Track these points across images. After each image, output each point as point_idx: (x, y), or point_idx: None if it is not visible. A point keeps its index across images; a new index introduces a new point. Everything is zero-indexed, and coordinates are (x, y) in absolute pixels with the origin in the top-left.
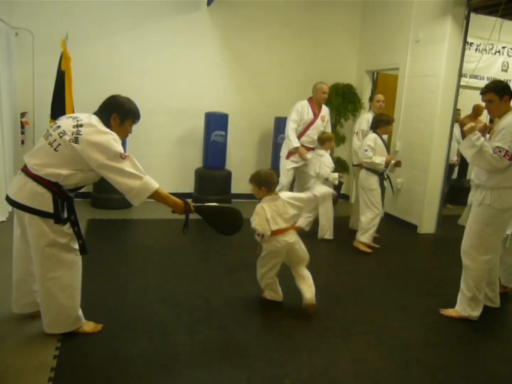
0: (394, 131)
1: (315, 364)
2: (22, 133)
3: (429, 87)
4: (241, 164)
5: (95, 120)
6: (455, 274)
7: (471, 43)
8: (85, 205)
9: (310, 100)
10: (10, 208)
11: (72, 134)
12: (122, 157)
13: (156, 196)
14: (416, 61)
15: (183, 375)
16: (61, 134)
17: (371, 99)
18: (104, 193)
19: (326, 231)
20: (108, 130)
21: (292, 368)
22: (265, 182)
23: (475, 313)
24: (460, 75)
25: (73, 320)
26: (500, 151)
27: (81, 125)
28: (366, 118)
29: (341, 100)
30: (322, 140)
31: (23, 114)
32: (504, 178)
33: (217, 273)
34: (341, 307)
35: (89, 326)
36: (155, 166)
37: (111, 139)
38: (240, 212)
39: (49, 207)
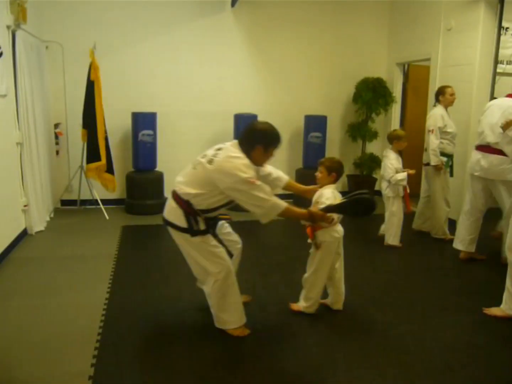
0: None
1: (353, 368)
2: (57, 143)
3: (463, 76)
4: (272, 164)
5: (234, 147)
6: (498, 271)
7: (507, 28)
8: (119, 212)
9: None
10: (48, 218)
11: (211, 156)
12: (250, 181)
13: (283, 214)
14: (449, 50)
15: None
16: (203, 156)
17: (441, 92)
18: (138, 199)
19: (390, 236)
20: (241, 156)
21: (329, 373)
22: (337, 170)
23: None
24: (496, 62)
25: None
26: None
27: (220, 149)
28: (439, 113)
29: (372, 95)
30: (389, 139)
31: (56, 125)
32: None
33: (251, 276)
34: (377, 308)
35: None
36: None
37: (242, 164)
38: (367, 197)
39: (182, 222)
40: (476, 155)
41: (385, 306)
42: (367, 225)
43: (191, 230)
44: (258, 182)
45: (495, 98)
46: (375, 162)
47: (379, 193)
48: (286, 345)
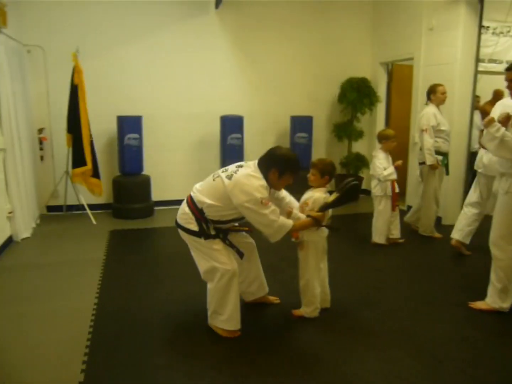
0: (412, 123)
1: (341, 364)
2: (41, 149)
3: (445, 75)
4: None
5: (253, 166)
6: (483, 266)
7: (487, 27)
8: (106, 216)
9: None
10: (34, 224)
11: (231, 171)
12: (263, 202)
13: (290, 232)
14: (431, 49)
15: (209, 382)
16: (224, 171)
17: (432, 91)
18: (125, 203)
19: (376, 234)
20: (259, 176)
21: (318, 370)
22: (330, 172)
23: (506, 304)
24: (478, 60)
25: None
26: None
27: (241, 166)
28: (432, 112)
29: (357, 95)
30: (378, 139)
31: (40, 130)
32: None
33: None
34: (366, 305)
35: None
36: (174, 172)
37: (259, 185)
38: (356, 183)
39: (193, 226)
40: (480, 152)
41: (374, 303)
42: (354, 223)
43: (200, 233)
44: (270, 204)
45: (477, 96)
46: (361, 161)
47: (366, 192)
48: (275, 343)
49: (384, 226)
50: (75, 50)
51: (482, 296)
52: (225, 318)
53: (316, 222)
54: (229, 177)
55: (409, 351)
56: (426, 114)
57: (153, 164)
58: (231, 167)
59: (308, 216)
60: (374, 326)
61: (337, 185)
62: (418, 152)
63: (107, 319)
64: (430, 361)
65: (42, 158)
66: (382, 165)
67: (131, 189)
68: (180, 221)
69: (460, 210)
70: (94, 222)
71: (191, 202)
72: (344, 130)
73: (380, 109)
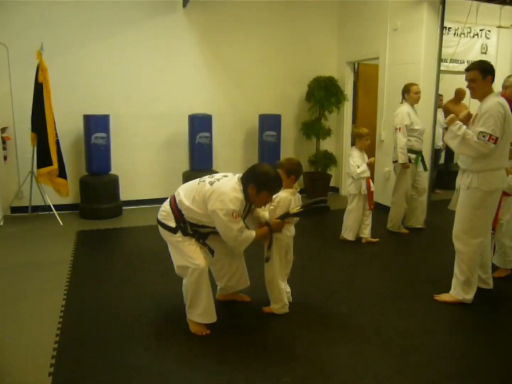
0: (378, 121)
1: (313, 359)
2: (4, 148)
3: (409, 74)
4: (228, 164)
5: (237, 178)
6: (448, 260)
7: (449, 28)
8: (74, 217)
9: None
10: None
11: (215, 179)
12: (233, 215)
13: (252, 242)
14: (395, 49)
15: (181, 383)
16: (210, 177)
17: (406, 90)
18: (93, 204)
19: (345, 230)
20: (239, 190)
21: (290, 365)
22: (296, 171)
23: (469, 296)
24: (440, 60)
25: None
26: (484, 136)
27: (226, 176)
28: (406, 111)
29: (324, 93)
30: (352, 138)
31: (3, 130)
32: (488, 161)
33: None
34: (336, 301)
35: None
36: (142, 171)
37: (234, 197)
38: (325, 206)
39: (171, 223)
40: None
41: (343, 298)
42: (324, 221)
43: (176, 229)
44: (240, 220)
45: (440, 95)
46: (329, 159)
47: (335, 189)
48: (247, 340)
49: (354, 223)
50: (40, 48)
51: (446, 288)
52: (200, 312)
53: (272, 231)
54: (211, 183)
55: (378, 345)
56: (400, 113)
57: (121, 164)
58: (217, 175)
59: (266, 224)
60: (344, 321)
61: (305, 182)
62: (392, 151)
63: (75, 320)
64: (398, 354)
65: (5, 158)
66: (355, 163)
67: (98, 189)
68: (159, 217)
69: (425, 207)
70: (60, 223)
71: (173, 202)
72: (312, 128)
73: (347, 107)
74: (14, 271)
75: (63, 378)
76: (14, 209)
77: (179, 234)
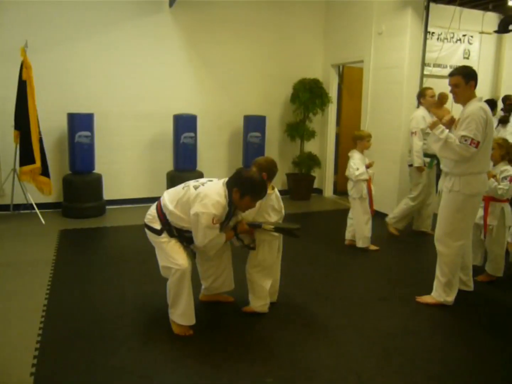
0: (362, 123)
1: (296, 360)
2: None
3: (393, 78)
4: (212, 164)
5: (222, 183)
6: (429, 262)
7: (433, 33)
8: (56, 216)
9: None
10: None
11: (200, 183)
12: (211, 219)
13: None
14: (380, 53)
15: (163, 383)
16: (195, 181)
17: (422, 94)
18: (75, 202)
19: (359, 239)
20: (222, 195)
21: (273, 366)
22: (268, 169)
23: (450, 298)
24: (423, 64)
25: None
26: (466, 140)
27: (211, 181)
28: (421, 115)
29: (309, 95)
30: (353, 140)
31: None
32: (470, 165)
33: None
34: (319, 302)
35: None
36: (126, 171)
37: (216, 201)
38: (296, 235)
39: (156, 225)
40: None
41: (325, 300)
42: (308, 223)
43: (161, 231)
44: (217, 226)
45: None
46: (313, 160)
47: (318, 191)
48: (230, 341)
49: (365, 228)
50: (24, 45)
51: (428, 290)
52: (180, 313)
53: (234, 233)
54: (196, 188)
55: (361, 346)
56: (415, 117)
57: (105, 163)
58: (202, 180)
59: (233, 228)
60: (328, 322)
61: (289, 183)
62: (407, 154)
63: (57, 320)
64: (381, 355)
65: None
66: (355, 165)
67: (82, 188)
68: (146, 220)
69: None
70: (43, 221)
71: (159, 205)
72: (297, 130)
73: (332, 109)
74: None
75: (45, 378)
76: None
77: (164, 235)
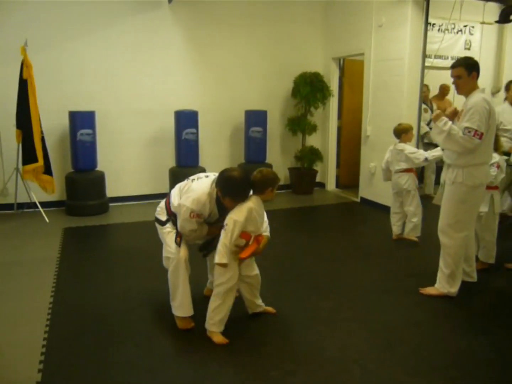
0: (364, 116)
1: (300, 353)
2: None
3: (394, 70)
4: (215, 160)
5: (211, 181)
6: (432, 253)
7: (433, 24)
8: (60, 214)
9: None
10: None
11: (197, 177)
12: (190, 213)
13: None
14: (381, 45)
15: (170, 378)
16: (196, 176)
17: (507, 88)
18: (79, 200)
19: (416, 229)
20: (209, 193)
21: (278, 359)
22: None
23: (454, 289)
24: (424, 56)
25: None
26: (469, 132)
27: (207, 177)
28: (509, 110)
29: (310, 89)
30: (397, 134)
31: None
32: (473, 156)
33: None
34: (322, 295)
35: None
36: (128, 168)
37: (197, 197)
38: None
39: (162, 217)
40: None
41: (329, 293)
42: (311, 216)
43: (166, 222)
44: (196, 221)
45: (425, 85)
46: (315, 154)
47: (321, 184)
48: (233, 334)
49: (420, 219)
50: (24, 44)
51: (432, 282)
52: (177, 304)
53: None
54: (192, 181)
55: (365, 338)
56: (501, 112)
57: (107, 160)
58: (201, 174)
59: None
60: (332, 315)
61: (291, 178)
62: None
63: (63, 317)
64: (385, 346)
65: None
66: (413, 150)
67: (85, 186)
68: (156, 213)
69: None
70: (47, 220)
71: (168, 199)
72: (298, 124)
73: (333, 103)
74: (0, 269)
75: (53, 374)
76: None
77: (168, 225)
